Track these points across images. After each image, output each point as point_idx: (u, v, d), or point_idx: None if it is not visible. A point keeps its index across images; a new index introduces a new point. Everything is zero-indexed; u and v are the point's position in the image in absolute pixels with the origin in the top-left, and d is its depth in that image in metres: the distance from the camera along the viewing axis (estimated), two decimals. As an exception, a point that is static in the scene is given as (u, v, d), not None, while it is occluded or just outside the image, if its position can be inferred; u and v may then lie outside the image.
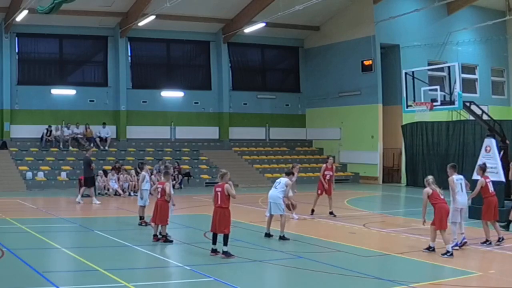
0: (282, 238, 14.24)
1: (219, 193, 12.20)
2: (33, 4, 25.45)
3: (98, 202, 22.29)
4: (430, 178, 12.81)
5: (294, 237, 14.44)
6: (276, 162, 34.41)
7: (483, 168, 14.21)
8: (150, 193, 16.52)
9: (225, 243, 12.07)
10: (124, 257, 12.49)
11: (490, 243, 13.46)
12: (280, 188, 14.49)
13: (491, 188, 13.86)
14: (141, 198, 16.71)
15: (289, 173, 15.46)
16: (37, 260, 11.72)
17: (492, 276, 11.04)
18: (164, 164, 24.73)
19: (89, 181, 22.76)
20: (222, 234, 12.09)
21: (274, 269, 11.65)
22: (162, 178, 14.44)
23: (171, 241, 13.79)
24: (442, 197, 12.56)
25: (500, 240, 13.62)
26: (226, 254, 12.02)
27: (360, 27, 33.35)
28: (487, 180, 13.92)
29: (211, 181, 30.67)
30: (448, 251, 12.20)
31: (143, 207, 16.63)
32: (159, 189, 13.88)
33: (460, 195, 13.24)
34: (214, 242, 12.25)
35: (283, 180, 14.74)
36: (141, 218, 16.55)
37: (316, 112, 37.00)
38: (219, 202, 12.17)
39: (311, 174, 32.15)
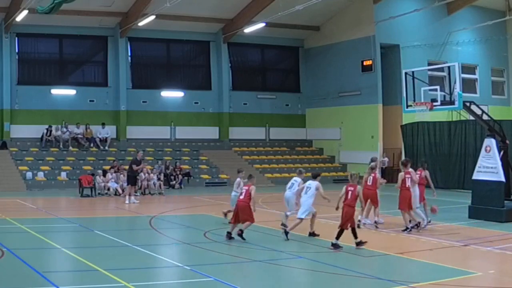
0: (285, 233, 14.37)
1: (350, 192, 13.16)
2: (33, 4, 25.45)
3: (128, 202, 22.39)
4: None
5: (294, 237, 14.43)
6: (276, 162, 34.40)
7: (404, 163, 16.00)
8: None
9: (355, 236, 13.13)
10: (124, 257, 12.49)
11: (411, 230, 15.32)
12: (310, 193, 14.49)
13: (408, 183, 15.54)
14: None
15: (316, 175, 15.04)
16: (37, 260, 11.72)
17: (492, 276, 11.04)
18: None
19: (130, 180, 23.14)
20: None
21: (274, 269, 11.64)
22: (247, 181, 14.72)
23: (244, 239, 13.83)
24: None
25: (418, 226, 15.49)
26: (335, 246, 12.98)
27: (360, 27, 33.36)
28: (407, 175, 15.59)
29: (211, 181, 30.73)
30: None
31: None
32: (244, 191, 14.12)
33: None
34: (338, 237, 13.01)
35: (313, 184, 14.58)
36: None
37: (316, 112, 37.00)
38: (349, 200, 13.06)
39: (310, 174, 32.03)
